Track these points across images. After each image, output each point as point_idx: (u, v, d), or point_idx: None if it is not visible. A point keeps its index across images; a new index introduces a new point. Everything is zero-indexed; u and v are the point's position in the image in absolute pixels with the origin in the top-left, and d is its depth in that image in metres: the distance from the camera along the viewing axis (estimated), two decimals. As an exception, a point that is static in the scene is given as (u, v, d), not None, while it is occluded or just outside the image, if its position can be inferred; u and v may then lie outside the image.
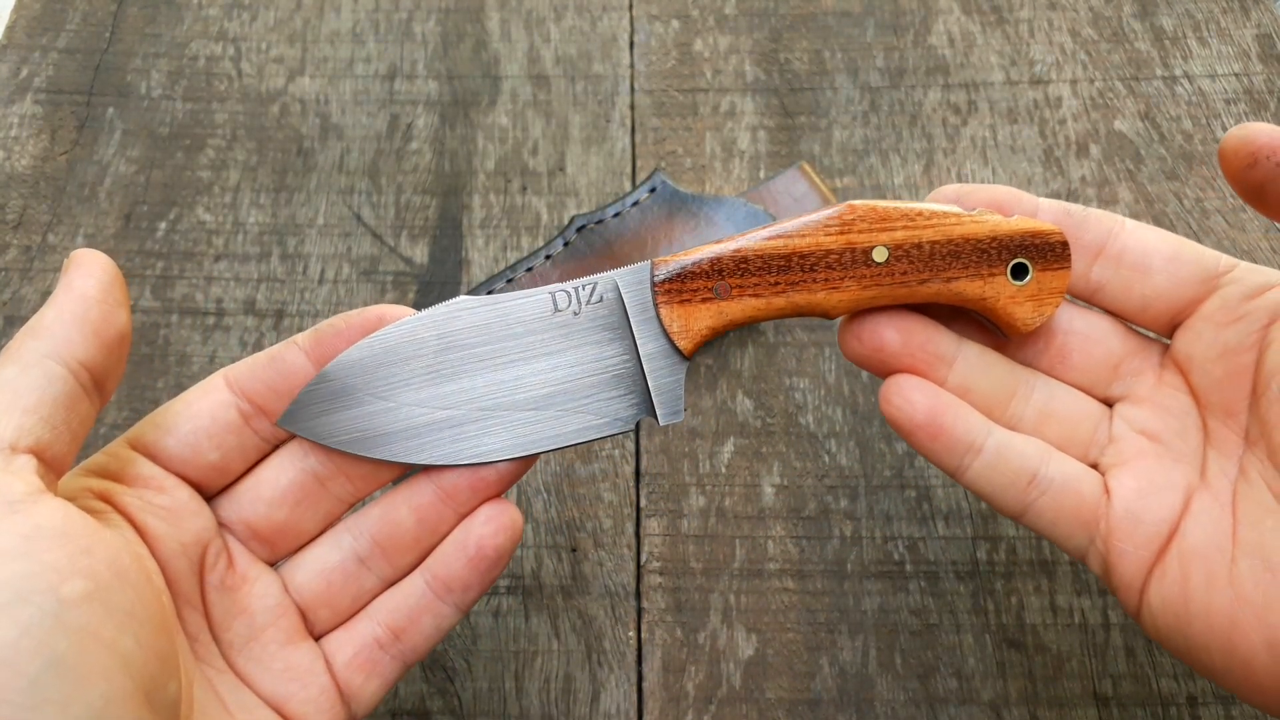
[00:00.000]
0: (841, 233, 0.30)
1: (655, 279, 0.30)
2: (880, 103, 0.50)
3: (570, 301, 0.30)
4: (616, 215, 0.45)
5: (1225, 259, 0.31)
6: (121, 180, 0.48)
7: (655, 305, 0.30)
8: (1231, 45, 0.51)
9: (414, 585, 0.30)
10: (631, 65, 0.51)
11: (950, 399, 0.31)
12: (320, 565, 0.30)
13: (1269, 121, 0.49)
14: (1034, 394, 0.32)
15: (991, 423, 0.31)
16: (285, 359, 0.29)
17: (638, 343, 0.30)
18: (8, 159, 0.48)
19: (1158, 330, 0.32)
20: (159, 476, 0.28)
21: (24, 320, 0.44)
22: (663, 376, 0.30)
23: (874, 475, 0.41)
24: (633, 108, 0.50)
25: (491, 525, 0.30)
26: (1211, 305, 0.31)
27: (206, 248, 0.46)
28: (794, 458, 0.42)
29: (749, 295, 0.30)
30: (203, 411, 0.29)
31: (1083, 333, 0.32)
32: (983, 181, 0.48)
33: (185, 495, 0.28)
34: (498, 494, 0.30)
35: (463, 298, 0.30)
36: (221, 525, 0.29)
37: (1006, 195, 0.31)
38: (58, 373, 0.24)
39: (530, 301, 0.30)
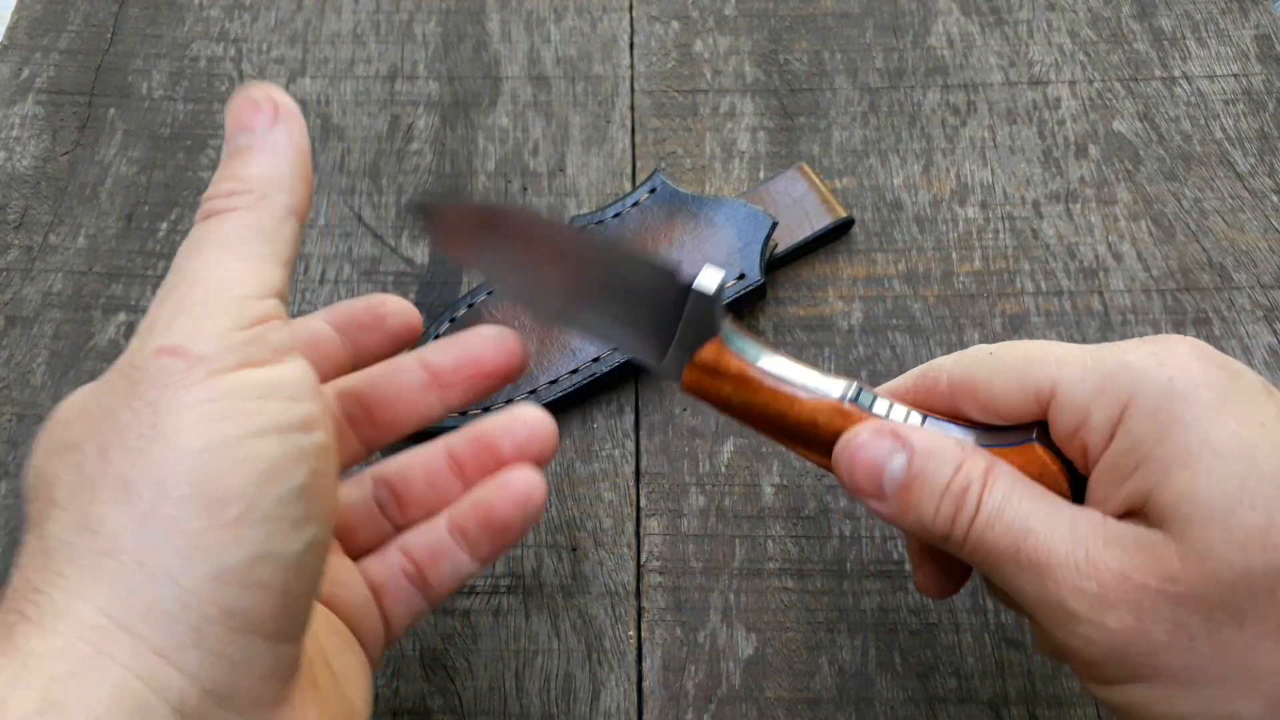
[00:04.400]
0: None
1: (709, 337, 0.31)
2: (879, 103, 0.50)
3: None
4: (616, 216, 0.45)
5: (1045, 383, 0.28)
6: (123, 181, 0.48)
7: (690, 348, 0.30)
8: (1230, 46, 0.51)
9: (437, 527, 0.32)
10: (631, 66, 0.51)
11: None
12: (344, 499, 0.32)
13: (1266, 123, 0.49)
14: None
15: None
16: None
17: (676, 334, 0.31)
18: (9, 159, 0.49)
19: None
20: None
21: (26, 320, 0.44)
22: (674, 365, 0.31)
23: (873, 475, 0.41)
24: (633, 108, 0.50)
25: (509, 491, 0.31)
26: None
27: (208, 248, 0.46)
28: (793, 457, 0.42)
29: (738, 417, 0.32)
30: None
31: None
32: (981, 182, 0.48)
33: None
34: (536, 452, 0.32)
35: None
36: None
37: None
38: (296, 228, 0.27)
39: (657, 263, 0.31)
